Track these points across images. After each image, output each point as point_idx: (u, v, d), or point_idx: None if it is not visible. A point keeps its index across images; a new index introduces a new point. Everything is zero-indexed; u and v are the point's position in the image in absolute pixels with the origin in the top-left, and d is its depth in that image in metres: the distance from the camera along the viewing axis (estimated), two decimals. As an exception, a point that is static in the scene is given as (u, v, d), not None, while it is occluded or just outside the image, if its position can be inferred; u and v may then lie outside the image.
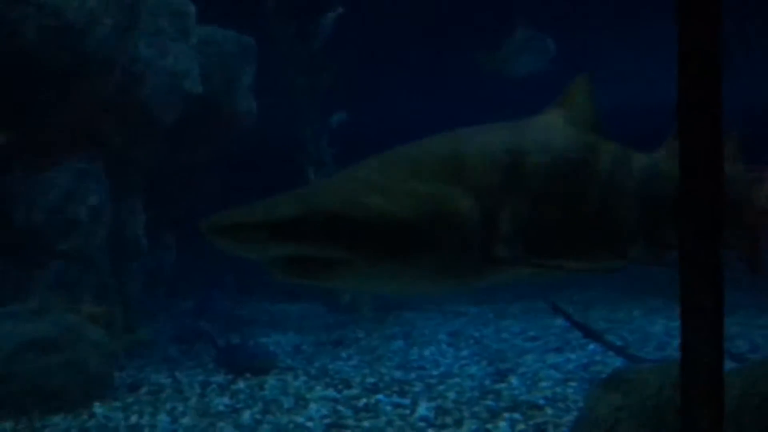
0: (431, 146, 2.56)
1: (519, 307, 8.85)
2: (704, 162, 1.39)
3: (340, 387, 5.38)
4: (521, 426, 4.42)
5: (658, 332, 7.13)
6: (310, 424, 4.57)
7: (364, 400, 5.08)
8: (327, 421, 4.62)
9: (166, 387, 5.75)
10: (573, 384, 5.24)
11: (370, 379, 5.63)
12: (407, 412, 4.82)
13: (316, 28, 9.00)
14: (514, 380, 5.43)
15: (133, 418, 4.99)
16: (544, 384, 5.29)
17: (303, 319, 8.61)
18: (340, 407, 4.87)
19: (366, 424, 4.58)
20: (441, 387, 5.33)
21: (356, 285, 2.75)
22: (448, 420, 4.58)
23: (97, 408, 5.26)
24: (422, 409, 4.84)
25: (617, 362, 5.74)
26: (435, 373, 5.81)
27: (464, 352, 6.62)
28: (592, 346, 6.36)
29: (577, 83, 2.96)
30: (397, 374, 5.79)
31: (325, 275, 2.26)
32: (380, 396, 5.17)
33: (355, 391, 5.30)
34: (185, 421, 4.91)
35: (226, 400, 5.30)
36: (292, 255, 2.22)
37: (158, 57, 7.63)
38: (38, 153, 6.77)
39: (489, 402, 4.89)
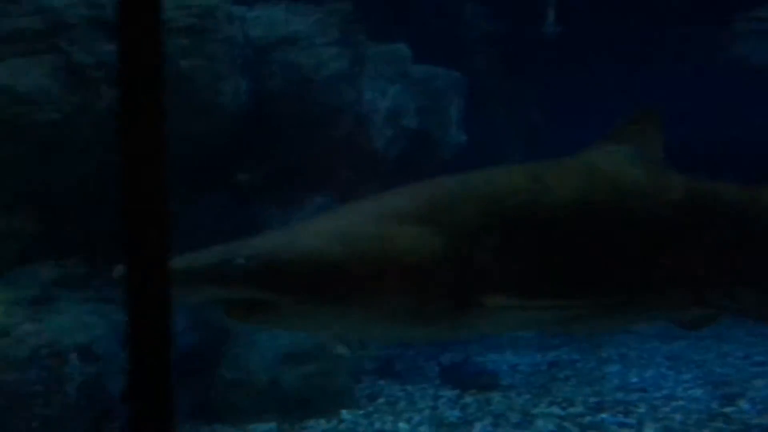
0: (422, 187, 2.58)
1: (742, 331, 8.51)
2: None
3: (564, 405, 5.65)
4: (755, 449, 4.44)
5: None
6: (539, 437, 4.91)
7: (588, 419, 5.31)
8: (555, 435, 4.93)
9: (400, 399, 6.35)
10: (811, 410, 5.11)
11: (593, 399, 5.83)
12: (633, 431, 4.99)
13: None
14: (743, 404, 5.39)
15: (377, 424, 5.62)
16: (777, 409, 5.21)
17: (517, 340, 8.90)
18: (566, 424, 5.15)
19: (595, 440, 4.82)
20: (666, 409, 5.42)
21: (300, 327, 2.70)
22: (678, 441, 4.70)
23: (345, 415, 5.96)
24: (649, 429, 4.98)
25: None
26: (657, 395, 5.88)
27: (686, 376, 6.59)
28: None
29: (643, 114, 2.86)
30: (619, 395, 5.93)
31: (261, 317, 2.27)
32: (604, 415, 5.37)
33: (578, 410, 5.55)
34: (423, 429, 5.45)
35: (456, 412, 5.78)
36: (227, 298, 2.25)
37: (379, 98, 8.44)
38: (282, 190, 7.78)
39: (719, 424, 4.92)
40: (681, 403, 5.60)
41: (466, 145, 9.52)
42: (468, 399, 6.12)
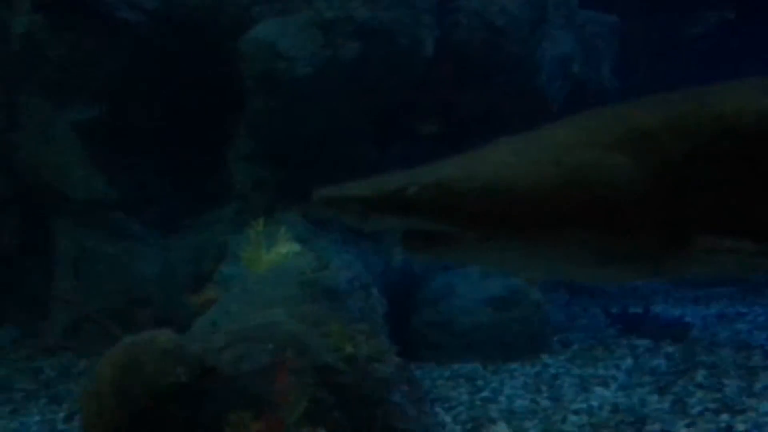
0: (611, 111, 2.28)
1: None
2: None
3: (782, 362, 5.71)
4: None
5: None
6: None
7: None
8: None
9: (595, 346, 6.54)
10: None
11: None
12: None
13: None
14: None
15: (590, 370, 5.82)
16: None
17: (666, 291, 8.95)
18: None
19: None
20: None
21: (482, 262, 2.42)
22: None
23: (546, 359, 6.20)
24: None
25: None
26: None
27: None
28: None
29: None
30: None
31: (439, 250, 2.11)
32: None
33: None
34: (636, 376, 5.63)
35: (663, 361, 5.94)
36: (406, 228, 2.11)
37: (550, 45, 8.38)
38: (461, 139, 7.89)
39: None
40: None
41: (621, 92, 9.42)
42: (669, 349, 6.26)
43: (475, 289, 6.57)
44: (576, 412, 4.62)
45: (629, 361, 6.04)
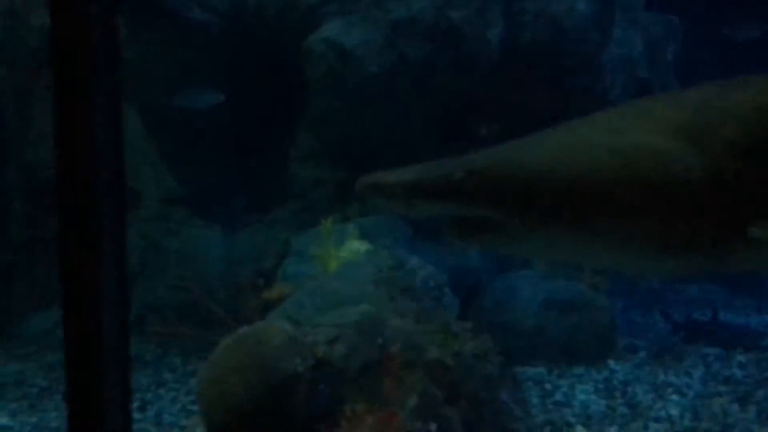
0: (662, 100, 2.20)
1: None
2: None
3: None
4: None
5: None
6: None
7: None
8: None
9: (661, 353, 6.40)
10: None
11: None
12: None
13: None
14: None
15: (661, 377, 5.71)
16: None
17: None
18: None
19: None
20: None
21: (530, 251, 2.30)
22: None
23: (612, 365, 6.09)
24: None
25: None
26: None
27: None
28: None
29: None
30: None
31: (486, 238, 2.06)
32: None
33: None
34: (711, 385, 5.50)
35: (737, 370, 5.80)
36: (452, 214, 2.07)
37: (615, 46, 8.27)
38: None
39: None
40: None
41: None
42: (740, 358, 6.11)
43: (538, 291, 6.49)
44: (656, 420, 4.52)
45: (701, 370, 5.91)
